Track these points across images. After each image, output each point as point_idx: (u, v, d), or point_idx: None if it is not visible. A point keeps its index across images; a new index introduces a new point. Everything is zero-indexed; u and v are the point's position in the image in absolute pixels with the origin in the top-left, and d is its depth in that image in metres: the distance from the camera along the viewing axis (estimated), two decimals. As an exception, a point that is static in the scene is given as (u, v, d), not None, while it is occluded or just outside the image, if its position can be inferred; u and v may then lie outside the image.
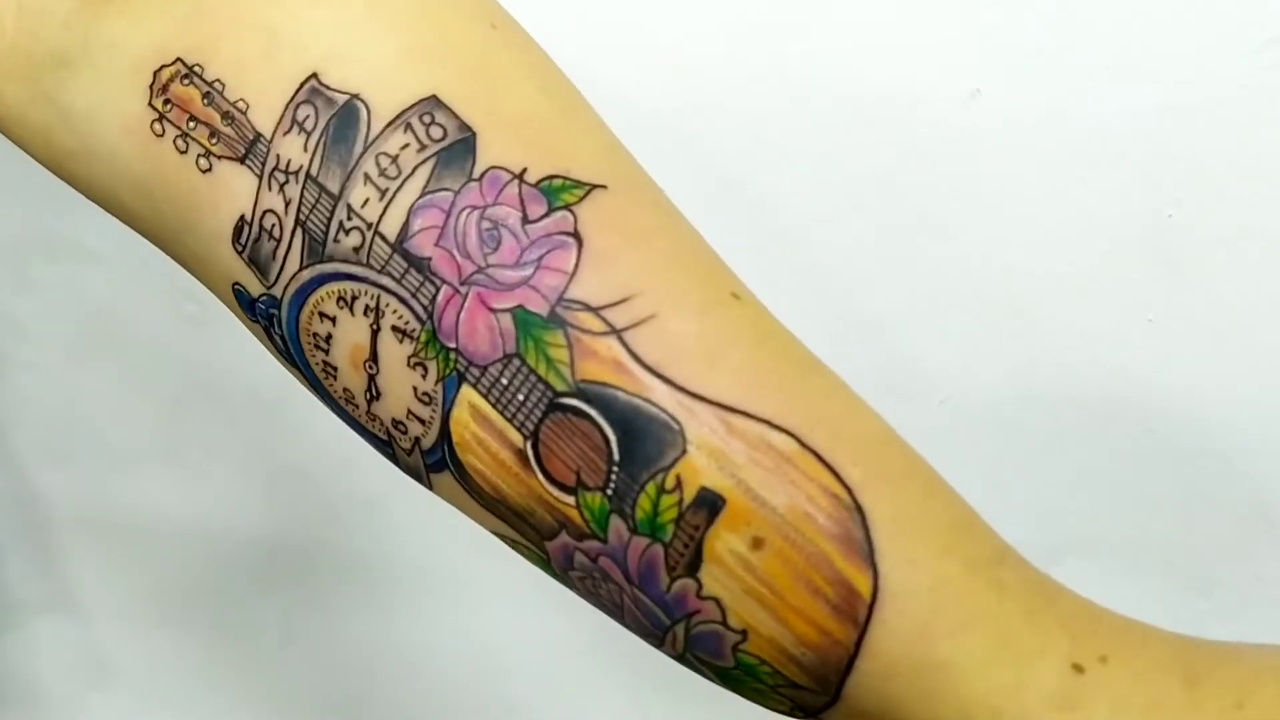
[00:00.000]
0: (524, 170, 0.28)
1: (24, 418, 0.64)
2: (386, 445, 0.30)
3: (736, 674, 0.28)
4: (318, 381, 0.30)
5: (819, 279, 0.51)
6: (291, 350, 0.30)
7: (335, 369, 0.29)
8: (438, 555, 0.64)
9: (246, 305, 0.30)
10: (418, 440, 0.29)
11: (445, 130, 0.29)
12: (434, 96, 0.29)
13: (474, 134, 0.29)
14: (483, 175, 0.28)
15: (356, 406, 0.30)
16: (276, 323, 0.30)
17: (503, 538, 0.30)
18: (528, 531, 0.29)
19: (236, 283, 0.30)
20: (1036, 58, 0.46)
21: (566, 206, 0.28)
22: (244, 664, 0.69)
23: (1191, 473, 0.52)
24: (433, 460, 0.29)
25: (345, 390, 0.30)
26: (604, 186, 0.29)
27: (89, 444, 0.64)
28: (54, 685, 0.70)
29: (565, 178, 0.29)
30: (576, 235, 0.28)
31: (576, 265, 0.28)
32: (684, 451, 0.27)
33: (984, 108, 0.47)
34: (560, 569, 0.29)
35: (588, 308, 0.28)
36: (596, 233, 0.28)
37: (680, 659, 0.29)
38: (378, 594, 0.66)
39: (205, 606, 0.67)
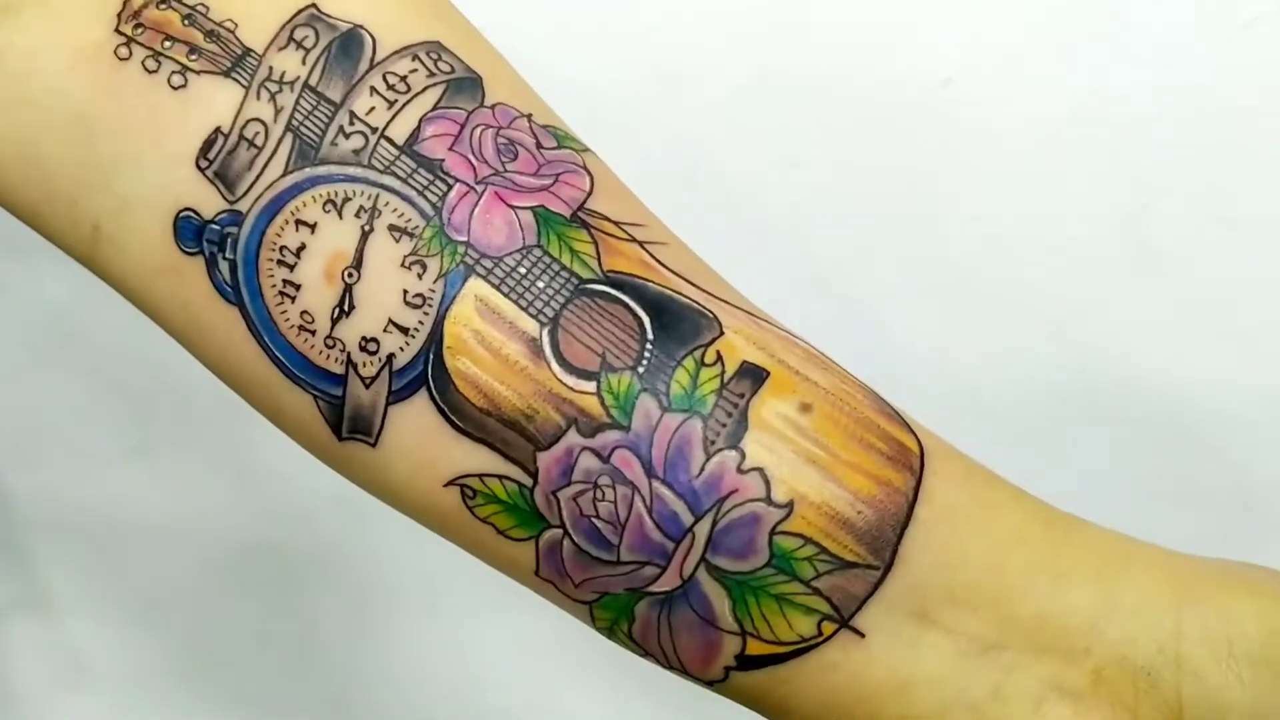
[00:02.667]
0: (530, 114, 0.29)
1: (-11, 419, 0.64)
2: (336, 381, 0.28)
3: (762, 577, 0.26)
4: (262, 311, 0.28)
5: (794, 266, 0.52)
6: (240, 275, 0.28)
7: (298, 286, 0.28)
8: (414, 552, 0.64)
9: (191, 234, 0.28)
10: (389, 360, 0.27)
11: (453, 68, 0.29)
12: (438, 42, 0.29)
13: (480, 77, 0.29)
14: (494, 106, 0.29)
15: (312, 333, 0.28)
16: (230, 244, 0.28)
17: (467, 487, 0.28)
18: (516, 448, 0.27)
19: (186, 209, 0.28)
20: (1008, 45, 0.47)
21: (573, 150, 0.30)
22: (219, 663, 0.69)
23: (1173, 461, 0.52)
24: (404, 382, 0.27)
25: (303, 314, 0.28)
26: (593, 152, 0.30)
27: (57, 443, 0.64)
28: (28, 686, 0.70)
29: (565, 131, 0.30)
30: (586, 169, 0.29)
31: (591, 189, 0.29)
32: (721, 333, 0.27)
33: (956, 96, 0.47)
34: (549, 492, 0.27)
35: (608, 219, 0.28)
36: (601, 175, 0.29)
37: (680, 594, 0.27)
38: (353, 591, 0.66)
39: (178, 605, 0.67)
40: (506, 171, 0.28)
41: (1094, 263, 0.49)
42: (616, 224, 0.29)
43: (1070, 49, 0.46)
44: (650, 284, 0.28)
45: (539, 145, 0.29)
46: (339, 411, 0.28)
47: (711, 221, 0.39)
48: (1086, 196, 0.48)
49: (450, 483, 0.28)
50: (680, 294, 0.28)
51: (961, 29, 0.47)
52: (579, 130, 0.32)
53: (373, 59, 0.29)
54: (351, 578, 0.65)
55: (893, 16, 0.47)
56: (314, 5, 0.29)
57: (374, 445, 0.28)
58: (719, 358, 0.27)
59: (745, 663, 0.27)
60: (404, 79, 0.29)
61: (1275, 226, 0.48)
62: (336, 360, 0.28)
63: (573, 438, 0.27)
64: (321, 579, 0.65)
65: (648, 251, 0.29)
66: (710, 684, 0.28)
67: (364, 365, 0.27)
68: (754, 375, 0.27)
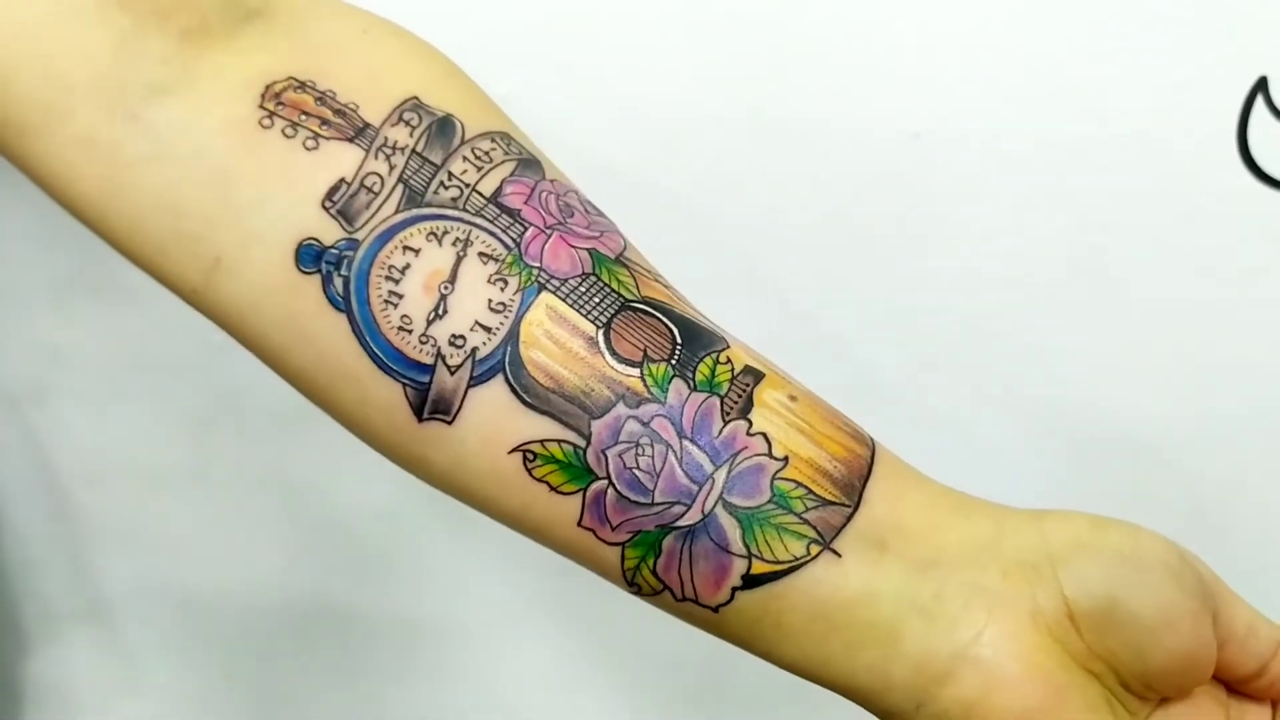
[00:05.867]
0: (575, 190, 0.37)
1: (64, 440, 0.64)
2: (425, 371, 0.33)
3: (765, 511, 0.33)
4: (368, 316, 0.33)
5: (776, 303, 0.54)
6: (351, 288, 0.33)
7: (400, 296, 0.33)
8: (461, 564, 0.64)
9: (311, 257, 0.34)
10: (473, 352, 0.33)
11: (521, 150, 0.36)
12: (506, 133, 0.36)
13: (540, 160, 0.36)
14: (552, 180, 0.36)
15: (410, 332, 0.33)
16: (345, 263, 0.33)
17: (529, 452, 0.33)
18: (574, 417, 0.33)
19: (309, 239, 0.34)
20: (972, 103, 0.49)
21: (608, 219, 0.37)
22: (268, 671, 0.69)
23: (1132, 478, 0.55)
24: (484, 369, 0.33)
25: (403, 317, 0.33)
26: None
27: (124, 464, 0.65)
28: (87, 691, 0.70)
29: (599, 209, 0.37)
30: (619, 233, 0.36)
31: (625, 246, 0.36)
32: (728, 345, 0.35)
33: (925, 148, 0.49)
34: (600, 450, 0.33)
35: (639, 265, 0.35)
36: (628, 239, 0.37)
37: (700, 527, 0.32)
38: (400, 601, 0.66)
39: (230, 617, 0.68)
40: (567, 224, 0.35)
41: (1054, 298, 0.52)
42: (645, 269, 0.36)
43: (1029, 108, 0.49)
44: (674, 309, 0.35)
45: (586, 210, 0.36)
46: (424, 396, 0.33)
47: (695, 262, 0.40)
48: (1046, 239, 0.51)
49: (514, 449, 0.33)
50: (696, 319, 0.35)
51: (930, 90, 0.49)
52: (579, 174, 0.37)
53: (463, 137, 0.35)
54: (399, 588, 0.66)
55: (868, 79, 0.49)
56: (417, 98, 0.36)
57: (450, 423, 0.33)
58: (729, 360, 0.34)
59: (749, 582, 0.33)
60: (487, 153, 0.35)
61: (1214, 259, 0.50)
62: (428, 354, 0.33)
63: (621, 409, 0.33)
64: (368, 590, 0.66)
65: (669, 290, 0.36)
66: (717, 609, 0.34)
67: (451, 357, 0.33)
68: (754, 373, 0.35)
